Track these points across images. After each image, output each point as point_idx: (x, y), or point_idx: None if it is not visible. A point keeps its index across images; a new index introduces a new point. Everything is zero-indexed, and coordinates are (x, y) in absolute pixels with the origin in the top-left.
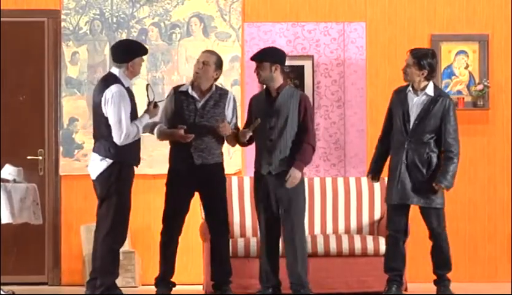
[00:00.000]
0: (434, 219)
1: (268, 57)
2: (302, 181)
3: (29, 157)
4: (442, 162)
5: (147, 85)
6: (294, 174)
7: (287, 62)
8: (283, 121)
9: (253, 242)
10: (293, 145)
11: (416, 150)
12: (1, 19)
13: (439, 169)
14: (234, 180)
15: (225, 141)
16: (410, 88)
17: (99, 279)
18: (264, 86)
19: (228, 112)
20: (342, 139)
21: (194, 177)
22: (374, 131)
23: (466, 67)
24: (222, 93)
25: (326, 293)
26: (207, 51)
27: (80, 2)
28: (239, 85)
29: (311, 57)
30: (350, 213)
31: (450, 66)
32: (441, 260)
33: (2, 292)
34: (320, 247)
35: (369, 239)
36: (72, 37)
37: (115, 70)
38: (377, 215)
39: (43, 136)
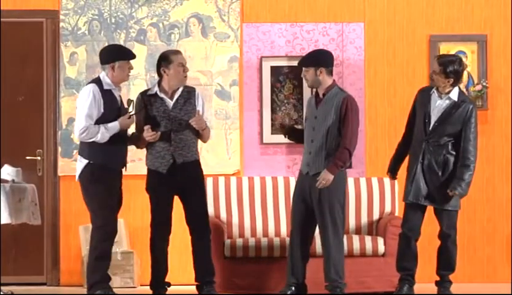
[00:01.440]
0: (445, 220)
1: (312, 61)
2: (340, 182)
3: (27, 158)
4: (458, 168)
5: (130, 100)
6: (324, 176)
7: (285, 63)
8: (324, 123)
9: (252, 243)
10: (336, 148)
11: (433, 152)
12: (1, 19)
13: (454, 172)
14: (233, 181)
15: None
16: (434, 89)
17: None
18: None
19: (199, 108)
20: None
21: (176, 177)
22: (372, 131)
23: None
24: (190, 90)
25: (325, 293)
26: (180, 52)
27: (78, 3)
28: (237, 85)
29: None
30: (349, 213)
31: None
32: (445, 261)
33: (1, 293)
34: (319, 248)
35: (368, 239)
36: (70, 37)
37: (101, 73)
38: (376, 215)
39: (41, 137)
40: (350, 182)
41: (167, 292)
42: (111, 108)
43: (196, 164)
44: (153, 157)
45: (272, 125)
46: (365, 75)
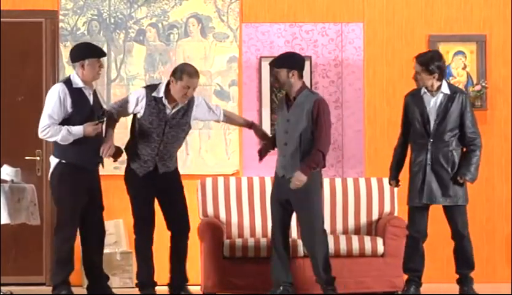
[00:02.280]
0: (458, 218)
1: (286, 63)
2: (315, 183)
3: (27, 158)
4: (465, 155)
5: (104, 109)
6: (297, 177)
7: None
8: (297, 126)
9: (251, 243)
10: (310, 150)
11: (440, 150)
12: (1, 20)
13: (461, 165)
14: (232, 181)
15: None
16: (424, 89)
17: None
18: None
19: (205, 113)
20: (339, 140)
21: (156, 182)
22: (371, 131)
23: (464, 67)
24: (190, 101)
25: (324, 294)
26: (197, 74)
27: (77, 3)
28: (236, 85)
29: (309, 58)
30: (348, 214)
31: (448, 67)
32: (464, 260)
33: (1, 293)
34: None
35: (367, 239)
36: (69, 37)
37: (73, 72)
38: (375, 216)
39: None
40: (350, 182)
41: (169, 292)
42: (80, 107)
43: (176, 172)
44: (137, 159)
45: (272, 125)
46: (364, 75)
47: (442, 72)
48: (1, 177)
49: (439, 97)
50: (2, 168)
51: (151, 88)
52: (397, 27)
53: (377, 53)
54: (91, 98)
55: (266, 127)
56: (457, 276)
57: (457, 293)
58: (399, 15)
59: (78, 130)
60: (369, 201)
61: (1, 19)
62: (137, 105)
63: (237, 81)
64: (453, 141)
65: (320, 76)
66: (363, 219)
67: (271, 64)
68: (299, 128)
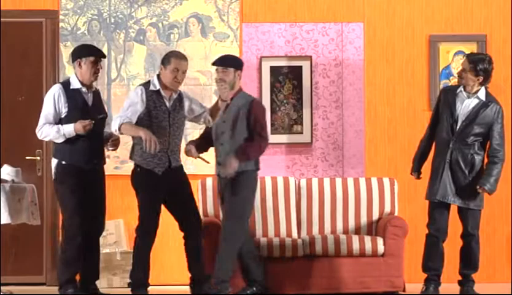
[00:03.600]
0: (470, 220)
1: (234, 63)
2: (246, 181)
3: (27, 158)
4: (487, 165)
5: (106, 115)
6: (229, 160)
7: (285, 63)
8: (233, 127)
9: None
10: None
11: (460, 151)
12: (1, 19)
13: (481, 171)
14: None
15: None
16: (461, 88)
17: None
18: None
19: (193, 106)
20: (340, 140)
21: (169, 179)
22: (372, 131)
23: None
24: (179, 93)
25: (324, 293)
26: (184, 57)
27: (78, 3)
28: None
29: (309, 57)
30: (348, 214)
31: (448, 67)
32: (469, 261)
33: (1, 293)
34: (318, 248)
35: (368, 239)
36: (70, 37)
37: (73, 72)
38: (375, 215)
39: None
40: (350, 182)
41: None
42: (76, 108)
43: (182, 168)
44: (147, 155)
45: (272, 125)
46: (364, 75)
47: (487, 78)
48: (2, 177)
49: (474, 101)
50: (2, 168)
51: (145, 84)
52: (397, 27)
53: (377, 53)
54: (90, 100)
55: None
56: (459, 276)
57: (458, 293)
58: (399, 14)
59: (69, 128)
60: (370, 201)
61: (1, 19)
62: (142, 101)
63: None
64: (475, 144)
65: (320, 76)
66: (364, 219)
67: (217, 63)
68: (235, 128)
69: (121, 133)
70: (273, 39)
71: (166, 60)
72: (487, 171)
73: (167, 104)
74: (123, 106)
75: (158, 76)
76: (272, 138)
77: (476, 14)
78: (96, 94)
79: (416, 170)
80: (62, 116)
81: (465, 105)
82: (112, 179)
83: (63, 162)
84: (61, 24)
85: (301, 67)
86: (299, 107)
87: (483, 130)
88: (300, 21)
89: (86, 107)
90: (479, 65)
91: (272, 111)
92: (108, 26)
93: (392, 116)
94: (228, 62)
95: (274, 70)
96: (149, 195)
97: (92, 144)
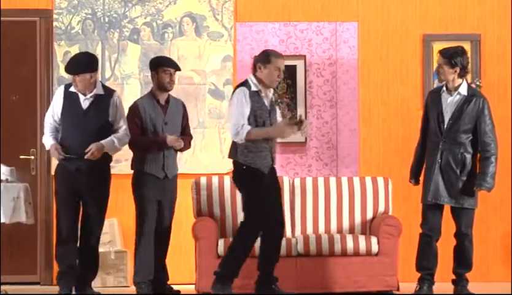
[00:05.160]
0: (463, 219)
1: (176, 65)
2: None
3: (21, 157)
4: (480, 163)
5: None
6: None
7: None
8: (175, 128)
9: None
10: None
11: (450, 151)
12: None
13: (473, 170)
14: (227, 180)
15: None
16: (444, 88)
17: None
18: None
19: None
20: (334, 139)
21: (270, 177)
22: (366, 130)
23: None
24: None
25: (318, 293)
26: (282, 55)
27: (72, 2)
28: (231, 84)
29: (303, 57)
30: (342, 213)
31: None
32: (463, 260)
33: (2, 293)
34: (312, 247)
35: (362, 239)
36: (64, 36)
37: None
38: (369, 215)
39: (35, 136)
40: (344, 181)
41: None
42: (70, 109)
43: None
44: (253, 155)
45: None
46: (359, 74)
47: (464, 69)
48: None
49: (456, 97)
50: None
51: (243, 85)
52: (392, 27)
53: (371, 52)
54: (84, 103)
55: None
56: (453, 275)
57: (452, 293)
58: (393, 14)
59: (46, 142)
60: (364, 200)
61: None
62: (248, 102)
63: (231, 80)
64: (467, 143)
65: (314, 75)
66: (358, 218)
67: (175, 66)
68: (178, 129)
69: (249, 140)
70: (267, 38)
71: (263, 59)
72: (481, 169)
73: (266, 103)
74: (231, 111)
75: (255, 76)
76: None
77: (470, 13)
78: (100, 98)
79: (412, 177)
80: (59, 117)
81: (449, 103)
82: None
83: (58, 162)
84: (55, 23)
85: (295, 66)
86: (294, 107)
87: (470, 126)
88: (294, 20)
89: (81, 110)
90: (453, 58)
91: None
92: (103, 25)
93: (386, 115)
94: (173, 64)
95: None
96: (259, 193)
97: (74, 142)
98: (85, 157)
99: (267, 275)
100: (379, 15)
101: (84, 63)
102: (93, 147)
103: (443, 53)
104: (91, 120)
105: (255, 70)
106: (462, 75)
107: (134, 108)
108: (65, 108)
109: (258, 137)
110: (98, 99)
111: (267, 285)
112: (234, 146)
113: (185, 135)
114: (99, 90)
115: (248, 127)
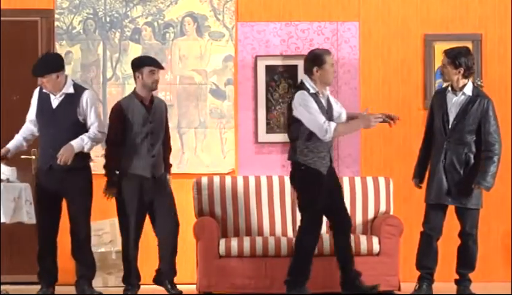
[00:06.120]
0: (468, 219)
1: (160, 64)
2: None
3: (22, 157)
4: (482, 162)
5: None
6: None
7: (280, 62)
8: (161, 127)
9: (247, 242)
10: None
11: (455, 151)
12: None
13: (475, 168)
14: (228, 180)
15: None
16: (449, 88)
17: None
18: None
19: (336, 105)
20: (335, 139)
21: (329, 178)
22: (367, 131)
23: None
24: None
25: (319, 292)
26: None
27: (73, 2)
28: (232, 84)
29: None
30: None
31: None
32: (466, 260)
33: (2, 293)
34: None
35: (363, 238)
36: (65, 36)
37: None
38: (370, 215)
39: None
40: (345, 181)
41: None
42: (42, 109)
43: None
44: (313, 155)
45: (267, 124)
46: (360, 74)
47: (469, 69)
48: None
49: (461, 97)
50: None
51: (300, 88)
52: (393, 26)
53: (372, 52)
54: (54, 103)
55: (262, 126)
56: (455, 275)
57: (455, 293)
58: (395, 14)
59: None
60: (365, 200)
61: None
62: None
63: (233, 80)
64: (472, 143)
65: None
66: (359, 218)
67: (156, 65)
68: (162, 129)
69: (335, 137)
70: (268, 38)
71: (318, 61)
72: (482, 168)
73: (324, 102)
74: (305, 115)
75: (310, 78)
76: (268, 137)
77: (471, 13)
78: (70, 97)
79: (417, 176)
80: (34, 117)
81: (454, 103)
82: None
83: None
84: (56, 23)
85: (296, 66)
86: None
87: (475, 126)
88: (295, 20)
89: (51, 110)
90: (457, 59)
91: (268, 110)
92: (104, 25)
93: None
94: (158, 63)
95: (270, 69)
96: (317, 194)
97: (47, 145)
98: (57, 162)
99: (348, 273)
100: (380, 14)
101: (49, 64)
102: (61, 151)
103: (447, 53)
104: (61, 118)
105: (311, 73)
106: (467, 75)
107: (116, 108)
108: (38, 108)
109: (345, 132)
110: (68, 98)
111: (351, 283)
112: (293, 147)
113: (166, 134)
114: (69, 89)
115: (334, 123)
